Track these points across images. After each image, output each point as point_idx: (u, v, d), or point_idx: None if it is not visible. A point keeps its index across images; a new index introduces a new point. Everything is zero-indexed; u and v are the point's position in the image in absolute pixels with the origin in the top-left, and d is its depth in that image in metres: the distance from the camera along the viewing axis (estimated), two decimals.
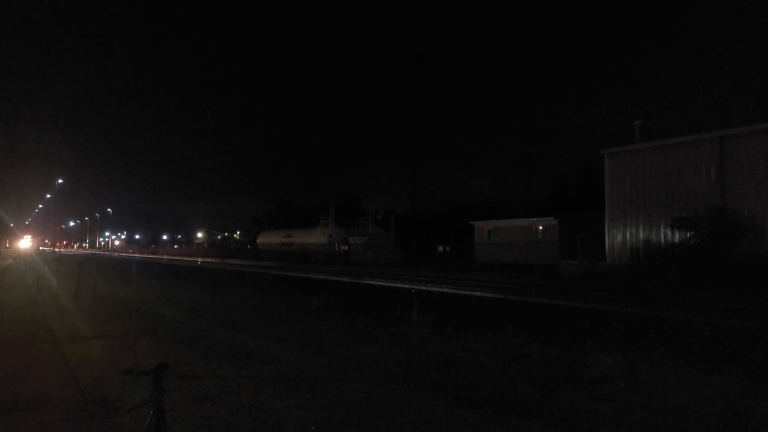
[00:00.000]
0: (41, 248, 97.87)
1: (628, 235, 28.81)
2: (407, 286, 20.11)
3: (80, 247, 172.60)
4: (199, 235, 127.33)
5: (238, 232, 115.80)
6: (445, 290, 19.28)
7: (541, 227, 35.00)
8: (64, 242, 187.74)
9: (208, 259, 61.42)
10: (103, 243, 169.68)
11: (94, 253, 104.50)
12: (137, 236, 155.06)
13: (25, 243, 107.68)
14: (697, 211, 25.03)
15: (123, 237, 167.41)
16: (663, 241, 26.88)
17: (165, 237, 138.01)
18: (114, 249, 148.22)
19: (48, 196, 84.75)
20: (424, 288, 19.44)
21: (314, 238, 57.02)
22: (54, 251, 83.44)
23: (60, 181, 72.96)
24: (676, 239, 25.91)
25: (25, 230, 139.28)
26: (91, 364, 8.29)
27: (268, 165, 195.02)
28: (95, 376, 7.55)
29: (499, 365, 8.21)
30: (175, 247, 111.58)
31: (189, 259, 65.92)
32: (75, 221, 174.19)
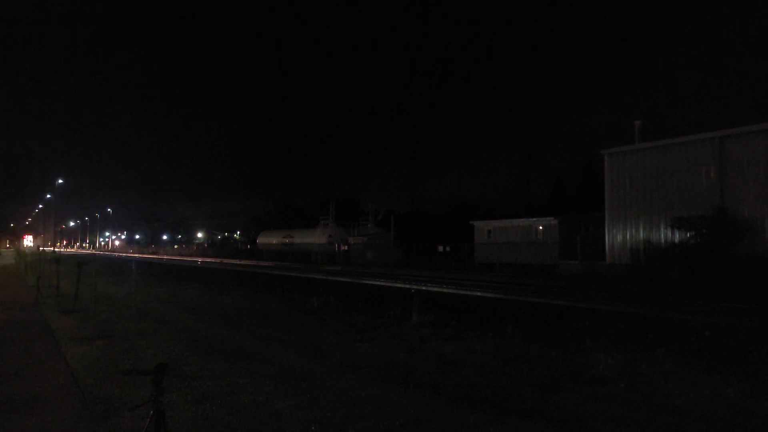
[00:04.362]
0: (41, 248, 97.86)
1: (628, 235, 28.80)
2: (407, 286, 20.10)
3: (80, 247, 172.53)
4: (199, 235, 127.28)
5: (238, 232, 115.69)
6: (445, 290, 19.27)
7: (541, 227, 34.99)
8: (65, 242, 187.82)
9: (208, 260, 61.38)
10: (103, 243, 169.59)
11: (94, 253, 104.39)
12: (137, 236, 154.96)
13: (28, 243, 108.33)
14: (696, 211, 25.02)
15: (123, 237, 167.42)
16: (663, 241, 26.87)
17: (165, 237, 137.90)
18: (114, 249, 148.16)
19: (48, 196, 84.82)
20: (424, 288, 19.42)
21: (314, 238, 57.01)
22: (54, 251, 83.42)
23: (60, 181, 73.05)
24: (676, 239, 25.90)
25: (26, 230, 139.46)
26: (91, 364, 8.29)
27: (268, 165, 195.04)
28: (95, 376, 7.55)
29: (499, 365, 8.20)
30: (175, 247, 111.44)
31: (189, 259, 65.89)
32: (75, 221, 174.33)
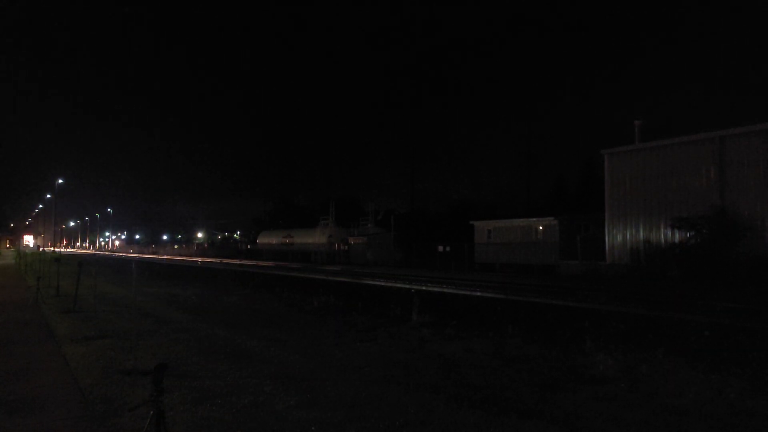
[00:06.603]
0: (41, 248, 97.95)
1: (628, 235, 28.78)
2: (407, 286, 20.09)
3: (80, 247, 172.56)
4: (199, 235, 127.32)
5: (238, 232, 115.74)
6: (445, 290, 19.27)
7: (541, 227, 34.99)
8: (65, 242, 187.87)
9: (208, 259, 61.37)
10: (103, 243, 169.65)
11: (95, 253, 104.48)
12: (137, 236, 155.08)
13: (28, 242, 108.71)
14: (697, 211, 25.00)
15: (123, 237, 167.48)
16: (663, 241, 26.85)
17: (165, 237, 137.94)
18: (114, 249, 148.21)
19: (48, 196, 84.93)
20: (424, 288, 19.41)
21: (314, 238, 57.02)
22: (54, 251, 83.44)
23: (60, 181, 73.13)
24: (676, 239, 25.88)
25: (26, 230, 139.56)
26: (91, 364, 8.30)
27: (268, 165, 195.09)
28: (95, 376, 7.55)
29: (499, 365, 8.21)
30: (175, 247, 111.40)
31: (189, 259, 65.89)
32: (75, 221, 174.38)
